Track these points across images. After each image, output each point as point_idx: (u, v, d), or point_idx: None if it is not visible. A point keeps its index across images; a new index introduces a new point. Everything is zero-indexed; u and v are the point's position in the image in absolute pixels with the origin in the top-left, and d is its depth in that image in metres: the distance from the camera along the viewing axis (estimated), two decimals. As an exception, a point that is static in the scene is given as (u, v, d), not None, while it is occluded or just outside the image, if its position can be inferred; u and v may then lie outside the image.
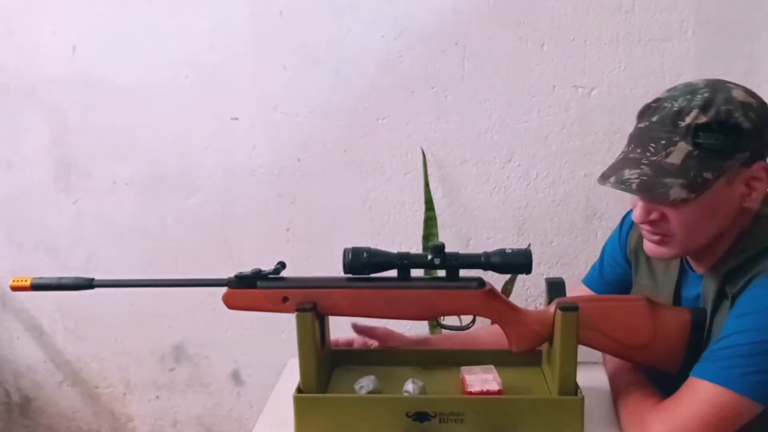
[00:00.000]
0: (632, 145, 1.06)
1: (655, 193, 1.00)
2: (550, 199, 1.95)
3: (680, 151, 1.00)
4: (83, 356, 2.22)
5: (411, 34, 1.88)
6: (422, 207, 1.89)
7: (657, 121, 1.03)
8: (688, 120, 1.00)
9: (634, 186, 1.01)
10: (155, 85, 1.97)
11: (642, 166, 1.01)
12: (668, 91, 1.07)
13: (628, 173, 1.02)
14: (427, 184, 1.87)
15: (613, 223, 1.86)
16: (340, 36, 1.89)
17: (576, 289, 1.34)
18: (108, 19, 1.94)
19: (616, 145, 1.89)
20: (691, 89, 1.04)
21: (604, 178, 1.06)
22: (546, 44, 1.86)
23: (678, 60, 1.83)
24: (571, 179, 1.93)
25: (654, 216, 1.04)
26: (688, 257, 1.14)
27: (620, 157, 1.07)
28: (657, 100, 1.06)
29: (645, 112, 1.07)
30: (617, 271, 1.32)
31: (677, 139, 1.00)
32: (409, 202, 1.98)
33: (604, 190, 1.89)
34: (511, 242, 1.97)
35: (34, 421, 2.30)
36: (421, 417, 1.08)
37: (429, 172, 1.88)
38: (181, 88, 1.96)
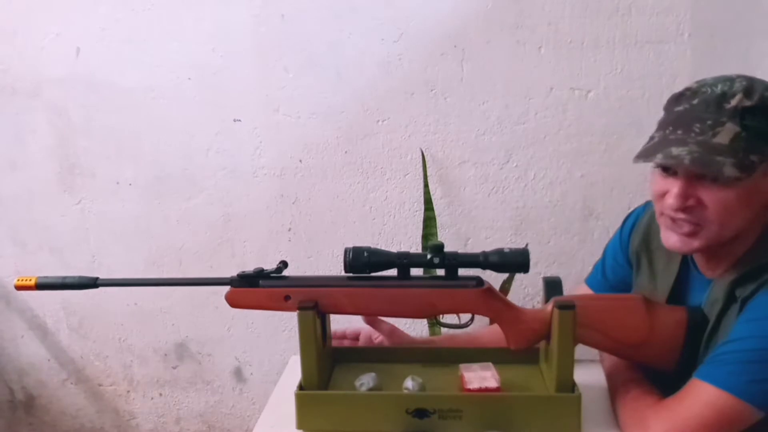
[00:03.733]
0: (670, 128, 1.03)
1: (710, 169, 0.98)
2: (547, 199, 1.96)
3: (728, 131, 0.98)
4: (87, 354, 2.24)
5: (410, 37, 1.89)
6: (422, 207, 1.91)
7: (698, 104, 1.01)
8: (733, 102, 0.99)
9: (686, 161, 0.97)
10: (158, 87, 1.99)
11: (689, 144, 0.99)
12: (697, 82, 1.05)
13: (675, 150, 0.99)
14: (426, 185, 1.89)
15: (610, 222, 1.89)
16: (341, 39, 1.91)
17: (578, 289, 1.34)
18: (111, 22, 1.96)
19: (612, 147, 1.90)
20: (726, 78, 1.02)
21: (645, 156, 1.02)
22: (543, 47, 1.87)
23: (674, 62, 1.85)
24: (568, 180, 1.94)
25: (691, 202, 1.01)
26: (697, 261, 1.13)
27: (657, 139, 1.04)
28: (688, 89, 1.04)
29: (679, 99, 1.05)
30: (619, 273, 1.31)
31: (724, 119, 0.99)
32: (408, 203, 2.00)
33: (601, 191, 1.91)
34: (508, 242, 1.99)
35: (38, 419, 2.32)
36: (420, 413, 1.09)
37: (428, 173, 1.90)
38: (184, 90, 1.98)
